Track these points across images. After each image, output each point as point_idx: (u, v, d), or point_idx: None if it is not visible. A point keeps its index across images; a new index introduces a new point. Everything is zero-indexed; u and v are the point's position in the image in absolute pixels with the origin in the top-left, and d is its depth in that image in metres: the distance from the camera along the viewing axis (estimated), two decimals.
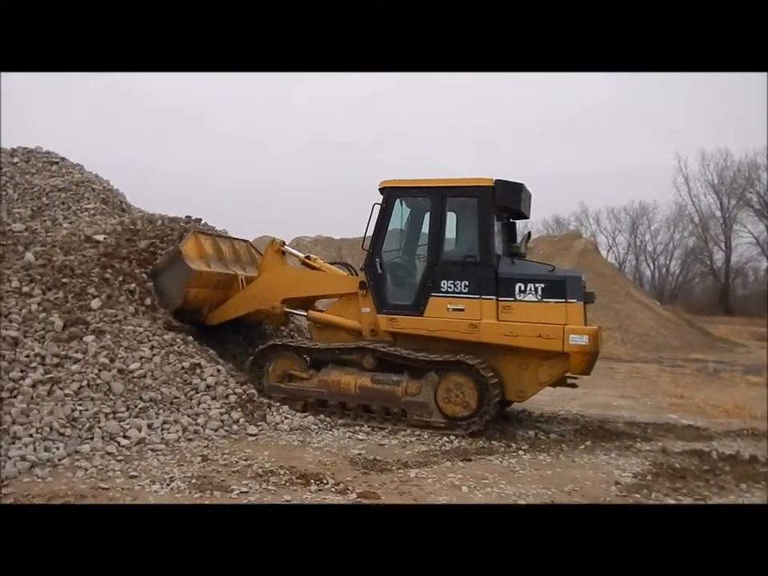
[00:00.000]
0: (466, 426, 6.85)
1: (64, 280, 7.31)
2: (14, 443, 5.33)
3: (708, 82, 68.39)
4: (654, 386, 12.41)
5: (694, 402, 10.33)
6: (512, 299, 6.92)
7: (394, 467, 5.63)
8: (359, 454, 6.00)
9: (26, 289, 7.09)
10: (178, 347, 7.18)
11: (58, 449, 5.40)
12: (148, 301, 7.66)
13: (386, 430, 6.96)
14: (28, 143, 10.65)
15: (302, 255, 8.51)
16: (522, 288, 6.91)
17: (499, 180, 7.12)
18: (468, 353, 6.99)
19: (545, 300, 6.84)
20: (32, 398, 5.90)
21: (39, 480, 4.91)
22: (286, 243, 8.43)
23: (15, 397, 5.89)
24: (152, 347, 6.98)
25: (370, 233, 7.54)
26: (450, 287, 7.12)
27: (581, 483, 5.37)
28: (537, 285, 6.88)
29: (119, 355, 6.68)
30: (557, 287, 6.86)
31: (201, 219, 9.59)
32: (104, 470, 5.18)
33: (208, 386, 6.86)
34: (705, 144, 70.04)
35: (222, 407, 6.66)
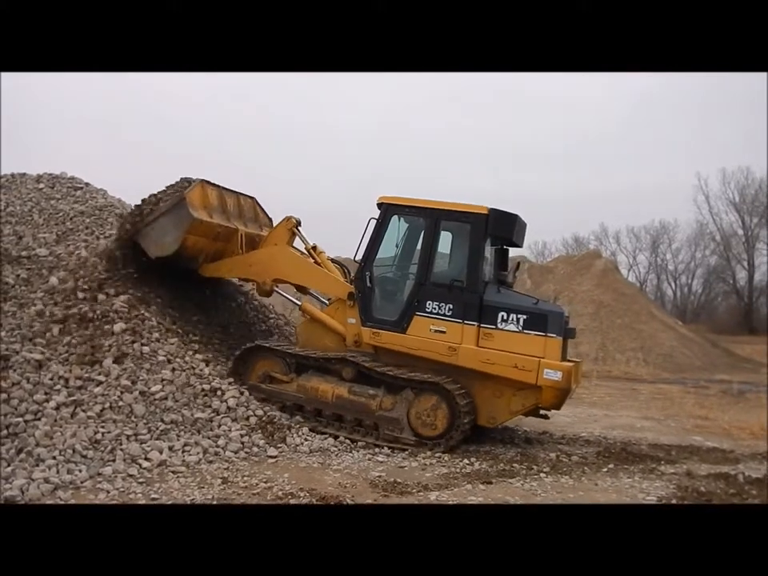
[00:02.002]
0: (432, 447, 6.93)
1: (87, 303, 7.42)
2: (37, 465, 5.40)
3: (728, 100, 68.11)
4: (678, 407, 12.20)
5: (719, 424, 10.14)
6: (493, 327, 7.06)
7: (414, 490, 5.59)
8: (379, 477, 5.96)
9: (49, 312, 7.21)
10: (199, 369, 7.23)
11: (80, 471, 5.45)
12: (171, 324, 7.74)
13: (357, 443, 7.06)
14: (53, 169, 10.93)
15: (310, 243, 8.40)
16: (505, 317, 7.04)
17: (494, 209, 7.23)
18: (446, 375, 7.11)
19: (525, 331, 6.97)
20: (55, 421, 5.98)
21: (62, 502, 4.95)
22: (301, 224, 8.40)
23: (39, 419, 5.98)
24: (173, 369, 7.04)
25: (364, 245, 7.62)
26: (435, 308, 7.23)
27: None
28: (519, 315, 7.00)
29: (141, 377, 6.75)
30: (538, 320, 6.97)
31: None
32: (125, 493, 5.20)
33: (229, 408, 6.89)
34: (725, 162, 69.39)
35: (242, 429, 6.68)
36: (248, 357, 7.76)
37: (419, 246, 7.64)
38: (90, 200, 9.91)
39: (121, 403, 6.37)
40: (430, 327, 7.21)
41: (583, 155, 77.82)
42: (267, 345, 7.91)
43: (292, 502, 5.06)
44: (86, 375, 6.58)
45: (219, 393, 7.03)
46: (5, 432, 5.78)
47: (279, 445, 6.67)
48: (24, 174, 10.67)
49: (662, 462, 7.13)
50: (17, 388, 6.22)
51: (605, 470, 6.65)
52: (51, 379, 6.45)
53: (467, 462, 6.64)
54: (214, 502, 4.99)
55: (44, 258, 8.31)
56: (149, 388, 6.66)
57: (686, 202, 55.55)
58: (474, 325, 7.08)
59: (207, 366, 7.37)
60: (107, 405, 6.30)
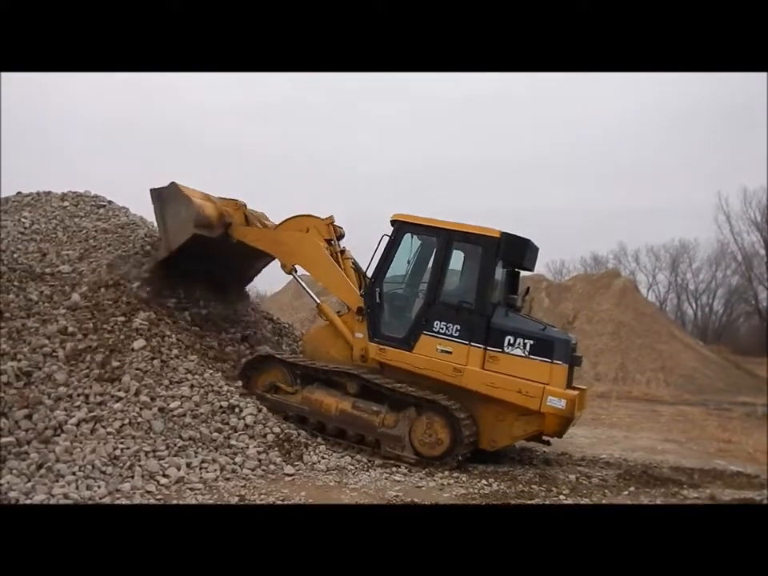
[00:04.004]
0: (434, 466, 6.90)
1: (108, 320, 7.52)
2: (57, 481, 5.44)
3: (750, 119, 67.57)
4: (700, 429, 11.98)
5: (743, 448, 9.92)
6: (500, 350, 7.02)
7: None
8: (396, 496, 5.91)
9: (71, 329, 7.30)
10: (217, 386, 7.27)
11: (99, 487, 5.48)
12: (188, 341, 7.81)
13: (357, 457, 7.03)
14: (78, 187, 11.13)
15: (339, 248, 8.35)
16: (512, 341, 7.00)
17: (506, 233, 7.20)
18: (450, 396, 7.07)
19: (531, 357, 6.91)
20: (75, 436, 6.04)
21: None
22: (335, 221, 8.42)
23: (59, 435, 6.04)
24: (191, 386, 7.08)
25: (376, 261, 7.64)
26: (443, 328, 7.21)
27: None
28: (526, 340, 6.96)
29: (160, 394, 6.80)
30: (545, 346, 6.92)
31: None
32: None
33: (246, 425, 6.90)
34: (746, 181, 68.60)
35: (259, 446, 6.68)
36: (256, 366, 7.81)
37: (430, 265, 7.63)
38: (112, 218, 10.08)
39: (140, 419, 6.41)
40: (437, 347, 7.19)
41: (602, 173, 77.57)
42: (274, 355, 7.94)
43: None
44: (106, 391, 6.64)
45: (237, 410, 7.05)
46: (25, 447, 5.85)
47: (296, 463, 6.65)
48: (49, 192, 10.88)
49: (685, 486, 6.98)
50: (38, 403, 6.29)
51: (625, 492, 6.54)
52: (72, 395, 6.52)
53: (485, 482, 6.56)
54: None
55: (67, 275, 8.44)
56: (167, 404, 6.71)
57: (707, 221, 54.98)
58: (480, 347, 7.05)
59: (225, 383, 7.40)
60: (126, 421, 6.34)
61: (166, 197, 8.37)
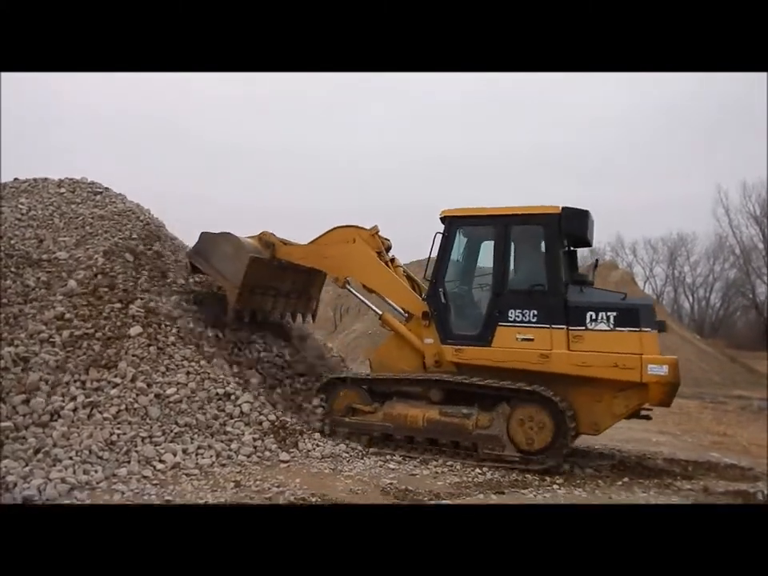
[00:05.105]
0: (541, 461, 6.64)
1: (105, 307, 7.52)
2: (54, 465, 5.47)
3: (750, 113, 67.45)
4: (695, 422, 12.04)
5: (738, 441, 9.99)
6: (583, 328, 6.72)
7: (425, 498, 5.57)
8: (390, 484, 5.95)
9: (68, 315, 7.31)
10: (213, 374, 7.29)
11: (96, 472, 5.52)
12: (185, 326, 7.81)
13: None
14: (75, 174, 11.09)
15: (388, 256, 8.16)
16: (594, 317, 6.71)
17: (566, 207, 7.00)
18: (536, 384, 6.78)
19: (618, 329, 6.62)
20: (72, 422, 6.07)
21: (78, 502, 5.01)
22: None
23: (56, 420, 6.06)
24: (188, 373, 7.10)
25: (433, 262, 7.44)
26: (519, 316, 6.94)
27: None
28: (609, 313, 6.67)
29: (156, 380, 6.82)
30: (630, 315, 6.64)
31: None
32: (140, 494, 5.26)
33: (242, 413, 6.93)
34: (746, 175, 68.45)
35: (254, 433, 6.71)
36: (326, 391, 7.67)
37: (488, 257, 7.36)
38: (109, 204, 10.03)
39: (136, 405, 6.44)
40: (516, 336, 6.92)
41: (600, 167, 77.50)
42: (345, 376, 7.75)
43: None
44: (103, 377, 6.66)
45: (233, 397, 7.07)
46: (23, 432, 5.87)
47: (291, 450, 6.69)
48: (46, 179, 10.83)
49: (679, 478, 7.01)
50: (35, 389, 6.31)
51: (619, 483, 6.57)
52: (68, 381, 6.53)
53: (479, 471, 6.60)
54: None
55: (64, 261, 8.43)
56: (164, 391, 6.73)
57: (706, 214, 54.99)
58: (562, 328, 6.77)
59: (221, 369, 7.41)
60: (123, 407, 6.38)
61: (205, 248, 8.33)
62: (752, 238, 44.58)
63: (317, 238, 8.29)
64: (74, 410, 6.21)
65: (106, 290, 7.78)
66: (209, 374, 7.24)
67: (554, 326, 6.81)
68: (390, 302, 8.11)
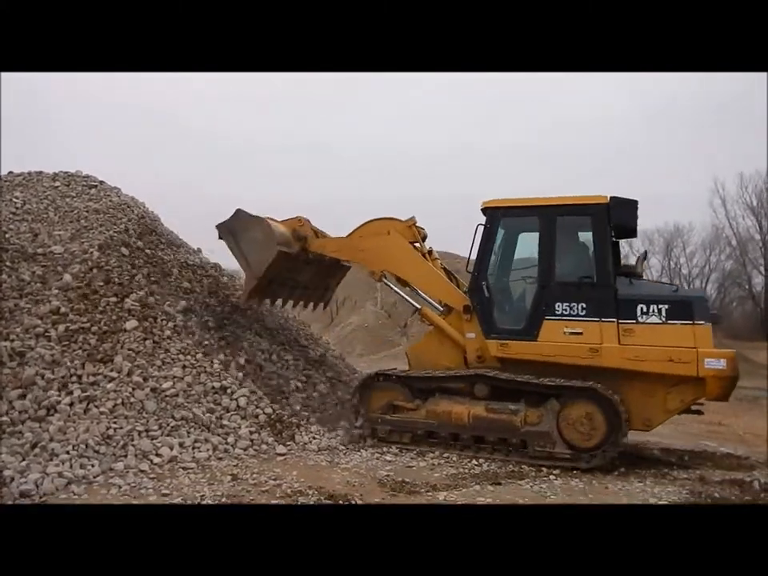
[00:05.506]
0: (588, 459, 6.51)
1: (100, 301, 7.51)
2: (51, 460, 5.47)
3: (747, 104, 67.40)
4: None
5: (734, 430, 10.02)
6: (633, 321, 6.58)
7: (422, 489, 5.59)
8: (387, 476, 5.97)
9: (63, 309, 7.29)
10: (210, 367, 7.28)
11: (93, 466, 5.52)
12: (180, 322, 7.80)
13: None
14: (70, 167, 11.05)
15: (426, 248, 7.98)
16: (645, 309, 6.55)
17: (614, 197, 6.85)
18: (584, 378, 6.66)
19: (670, 322, 6.48)
20: (69, 416, 6.06)
21: (75, 497, 5.01)
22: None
23: (53, 415, 6.05)
24: (183, 367, 7.10)
25: (474, 255, 7.28)
26: (566, 309, 6.77)
27: None
28: (660, 306, 6.52)
29: (152, 374, 6.82)
30: (683, 308, 6.49)
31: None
32: (137, 488, 5.27)
33: (238, 406, 6.93)
34: (743, 166, 68.41)
35: (251, 426, 6.72)
36: (365, 388, 7.51)
37: (531, 249, 7.19)
38: (104, 198, 10.00)
39: (132, 399, 6.44)
40: (564, 330, 6.74)
41: (597, 157, 77.40)
42: (387, 372, 7.54)
43: (300, 499, 5.08)
44: (99, 372, 6.65)
45: (229, 391, 7.07)
46: (19, 427, 5.87)
47: (288, 443, 6.71)
48: (41, 173, 10.79)
49: (675, 467, 7.04)
50: (32, 383, 6.30)
51: (615, 473, 6.59)
52: (64, 376, 6.52)
53: (476, 462, 6.62)
54: (224, 499, 5.03)
55: (59, 255, 8.40)
56: (160, 385, 6.73)
57: (702, 205, 54.97)
58: (612, 321, 6.60)
59: (218, 364, 7.41)
60: (119, 401, 6.37)
61: (237, 227, 8.13)
62: (748, 229, 44.63)
63: (352, 231, 8.14)
64: (71, 404, 6.20)
65: (101, 283, 7.77)
66: (205, 367, 7.24)
67: (603, 319, 6.66)
68: (423, 295, 7.98)
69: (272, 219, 8.26)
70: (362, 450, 6.89)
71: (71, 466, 5.46)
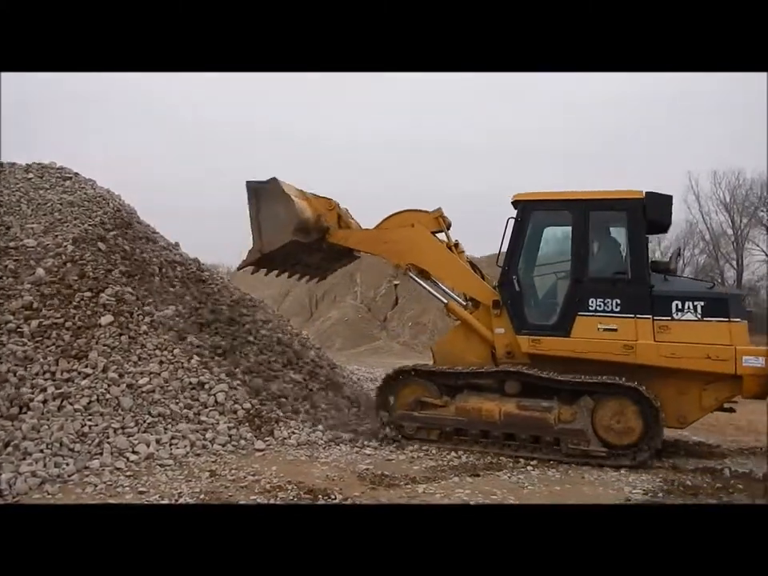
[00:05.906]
0: (632, 456, 6.42)
1: (75, 295, 7.39)
2: (24, 459, 5.39)
3: (721, 101, 68.22)
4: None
5: (706, 419, 10.16)
6: (669, 318, 6.51)
7: (401, 482, 5.61)
8: (367, 469, 5.98)
9: (36, 305, 7.16)
10: (187, 363, 7.21)
11: (67, 464, 5.45)
12: (156, 316, 7.71)
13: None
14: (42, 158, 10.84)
15: (452, 240, 7.80)
16: (680, 306, 6.50)
17: (650, 192, 6.73)
18: (617, 375, 6.57)
19: (706, 319, 6.44)
20: (42, 414, 5.97)
21: (50, 496, 4.94)
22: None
23: (26, 413, 5.96)
24: (160, 362, 7.02)
25: (505, 248, 7.16)
26: (600, 305, 6.67)
27: (591, 500, 5.32)
28: (696, 303, 6.47)
29: (128, 370, 6.74)
30: (719, 305, 6.46)
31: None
32: (113, 486, 5.21)
33: (216, 401, 6.88)
34: (716, 163, 69.27)
35: (229, 422, 6.68)
36: (391, 384, 7.30)
37: (564, 243, 7.12)
38: (78, 190, 9.83)
39: (108, 396, 6.35)
40: (598, 326, 6.65)
41: (574, 153, 77.98)
42: (416, 368, 7.33)
43: (280, 494, 5.07)
44: (73, 368, 6.55)
45: (207, 386, 7.01)
46: None
47: (266, 438, 6.68)
48: (13, 164, 10.57)
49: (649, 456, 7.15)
50: (3, 381, 6.18)
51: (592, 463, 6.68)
52: (38, 372, 6.41)
53: (455, 455, 6.67)
54: (202, 496, 5.00)
55: (31, 249, 8.24)
56: (136, 381, 6.65)
57: (676, 201, 55.60)
58: (647, 318, 6.53)
59: (195, 359, 7.34)
60: (94, 398, 6.29)
61: (265, 194, 7.71)
62: (721, 224, 45.42)
63: (378, 224, 7.99)
64: (44, 401, 6.09)
65: (75, 278, 7.64)
66: (182, 363, 7.17)
67: (638, 315, 6.58)
68: (446, 288, 7.87)
69: (303, 194, 7.95)
70: (341, 445, 6.89)
71: (45, 465, 5.37)
